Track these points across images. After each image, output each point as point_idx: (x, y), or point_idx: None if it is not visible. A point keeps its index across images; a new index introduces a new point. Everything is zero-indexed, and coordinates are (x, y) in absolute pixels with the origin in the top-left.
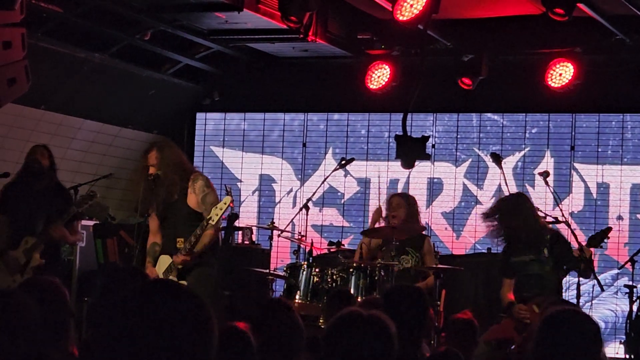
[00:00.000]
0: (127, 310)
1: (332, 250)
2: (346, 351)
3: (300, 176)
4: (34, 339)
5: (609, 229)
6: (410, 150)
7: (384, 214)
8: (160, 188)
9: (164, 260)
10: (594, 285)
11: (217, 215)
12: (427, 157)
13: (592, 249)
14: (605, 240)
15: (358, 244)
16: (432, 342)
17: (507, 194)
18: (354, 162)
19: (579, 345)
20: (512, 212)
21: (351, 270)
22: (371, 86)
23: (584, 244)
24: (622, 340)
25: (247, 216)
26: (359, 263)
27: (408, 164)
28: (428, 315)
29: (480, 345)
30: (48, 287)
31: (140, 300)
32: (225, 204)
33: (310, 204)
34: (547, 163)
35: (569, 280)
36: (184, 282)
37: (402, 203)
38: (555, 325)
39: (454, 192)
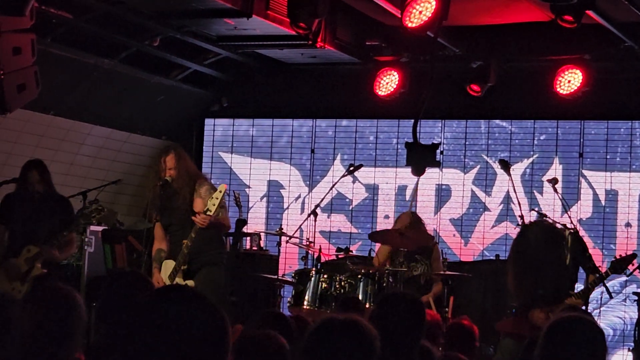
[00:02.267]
0: (138, 315)
1: (340, 256)
2: (325, 358)
3: (308, 182)
4: (38, 345)
5: (634, 256)
6: (421, 157)
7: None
8: (169, 195)
9: (169, 265)
10: (602, 293)
11: (214, 205)
12: (437, 164)
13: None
14: (629, 269)
15: (374, 258)
16: (439, 349)
17: (515, 200)
18: (362, 169)
19: (584, 351)
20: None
21: (359, 276)
22: (379, 92)
23: (592, 252)
24: (631, 348)
25: (256, 222)
26: (367, 269)
27: (418, 171)
28: (424, 323)
29: (506, 340)
30: (59, 294)
31: (153, 306)
32: (220, 192)
33: (318, 210)
34: (556, 170)
35: (577, 287)
36: (191, 282)
37: (414, 223)
38: (560, 332)
39: (462, 198)
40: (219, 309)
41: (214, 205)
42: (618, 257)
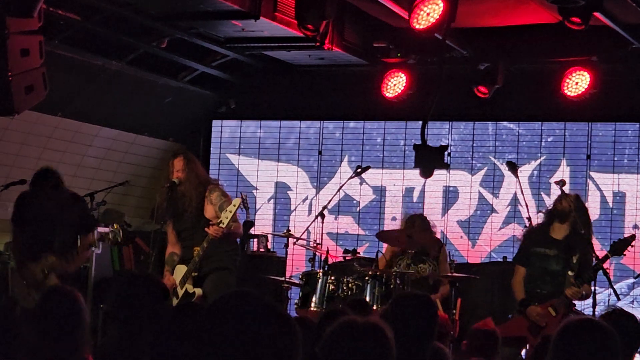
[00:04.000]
0: (204, 324)
1: (347, 258)
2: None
3: (315, 184)
4: (47, 347)
5: (633, 237)
6: (429, 159)
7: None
8: (176, 198)
9: (180, 270)
10: (610, 295)
11: (227, 218)
12: (445, 167)
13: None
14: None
15: (379, 257)
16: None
17: (522, 202)
18: (370, 170)
19: (596, 355)
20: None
21: (367, 278)
22: (387, 94)
23: (600, 252)
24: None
25: (263, 224)
26: (374, 271)
27: (427, 173)
28: (436, 324)
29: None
30: (65, 296)
31: (221, 313)
32: (234, 206)
33: (325, 212)
34: (563, 172)
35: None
36: (199, 290)
37: (424, 227)
38: (571, 336)
39: (470, 200)
40: (288, 315)
41: (227, 218)
42: (617, 240)
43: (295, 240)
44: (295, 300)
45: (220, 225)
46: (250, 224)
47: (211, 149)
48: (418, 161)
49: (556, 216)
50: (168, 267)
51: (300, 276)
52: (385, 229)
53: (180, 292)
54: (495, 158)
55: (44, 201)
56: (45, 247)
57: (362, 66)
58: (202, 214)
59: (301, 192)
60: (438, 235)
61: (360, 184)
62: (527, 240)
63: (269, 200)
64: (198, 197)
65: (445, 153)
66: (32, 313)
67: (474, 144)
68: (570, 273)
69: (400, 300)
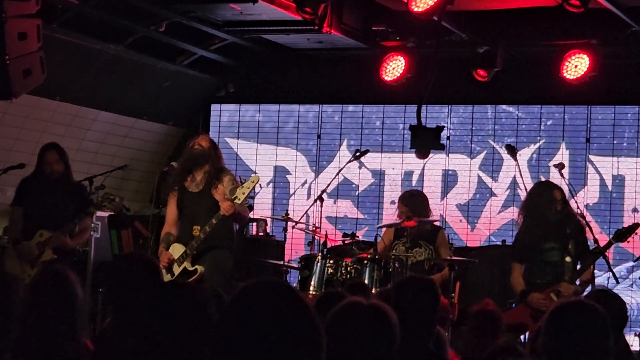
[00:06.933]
0: (227, 313)
1: (346, 242)
2: (347, 342)
3: (314, 168)
4: (43, 331)
5: (637, 225)
6: (425, 140)
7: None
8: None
9: (177, 249)
10: (609, 278)
11: (243, 194)
12: (441, 148)
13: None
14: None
15: (378, 242)
16: (446, 334)
17: (522, 186)
18: (369, 154)
19: (587, 337)
20: (536, 200)
21: (365, 262)
22: (386, 78)
23: (599, 237)
24: (638, 333)
25: (262, 208)
26: (373, 254)
27: (422, 154)
28: (439, 307)
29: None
30: (60, 278)
31: (239, 304)
32: (252, 182)
33: (324, 196)
34: (562, 155)
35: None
36: (201, 267)
37: (400, 206)
38: (561, 319)
39: (469, 184)
40: (310, 306)
41: (244, 194)
42: (622, 228)
43: (294, 224)
44: (294, 284)
45: (236, 201)
46: (249, 207)
47: (210, 133)
48: (414, 142)
49: (544, 223)
50: (163, 244)
51: (299, 260)
52: (384, 212)
53: (177, 270)
54: (494, 141)
55: (44, 185)
56: (43, 226)
57: (361, 49)
58: (209, 194)
59: (300, 176)
60: (436, 215)
61: (359, 167)
62: (522, 235)
63: (268, 184)
64: (206, 177)
65: (445, 136)
66: (25, 292)
67: (473, 128)
68: (567, 259)
69: (404, 284)
